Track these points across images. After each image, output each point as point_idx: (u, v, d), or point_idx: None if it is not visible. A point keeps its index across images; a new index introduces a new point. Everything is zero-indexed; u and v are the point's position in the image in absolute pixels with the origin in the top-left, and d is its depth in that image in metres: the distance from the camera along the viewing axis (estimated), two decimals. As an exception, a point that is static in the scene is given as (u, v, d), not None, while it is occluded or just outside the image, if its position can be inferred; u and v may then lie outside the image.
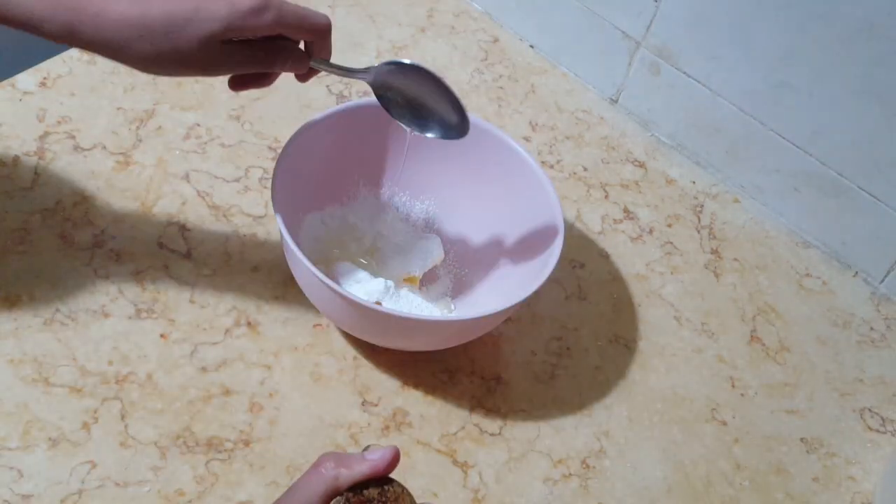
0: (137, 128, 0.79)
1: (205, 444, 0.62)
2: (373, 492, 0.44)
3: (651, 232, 0.85)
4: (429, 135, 0.63)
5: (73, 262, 0.69)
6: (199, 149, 0.79)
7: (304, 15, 0.55)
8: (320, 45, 0.58)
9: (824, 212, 0.86)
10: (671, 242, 0.85)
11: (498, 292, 0.71)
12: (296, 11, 0.55)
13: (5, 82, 0.80)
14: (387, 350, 0.70)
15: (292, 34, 0.56)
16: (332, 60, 0.60)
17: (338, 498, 0.43)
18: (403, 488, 0.45)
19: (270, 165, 0.79)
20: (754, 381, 0.77)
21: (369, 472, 0.44)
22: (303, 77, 0.61)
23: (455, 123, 0.62)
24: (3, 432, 0.60)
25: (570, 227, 0.83)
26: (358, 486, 0.44)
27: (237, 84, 0.59)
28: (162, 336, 0.67)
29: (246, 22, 0.53)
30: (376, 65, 0.60)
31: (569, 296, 0.78)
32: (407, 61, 0.61)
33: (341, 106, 0.71)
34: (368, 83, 0.61)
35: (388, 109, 0.63)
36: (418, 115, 0.63)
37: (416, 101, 0.62)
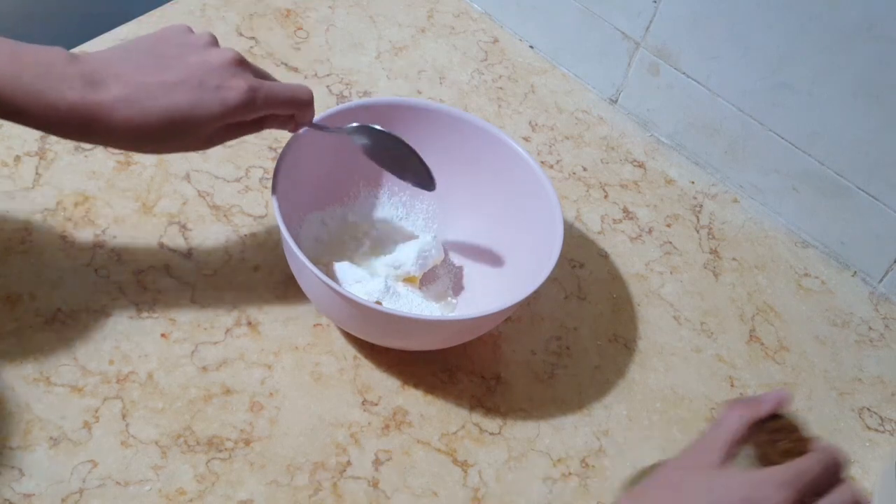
0: (138, 128, 0.79)
1: (205, 443, 0.63)
2: (782, 421, 0.49)
3: (650, 232, 0.86)
4: (406, 181, 0.69)
5: (74, 262, 0.69)
6: (199, 149, 0.79)
7: (288, 96, 0.61)
8: (303, 114, 0.64)
9: (823, 212, 0.86)
10: (670, 242, 0.85)
11: (498, 292, 0.71)
12: (281, 93, 0.61)
13: (6, 82, 0.80)
14: (387, 350, 0.70)
15: (279, 111, 0.61)
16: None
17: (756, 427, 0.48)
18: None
19: (271, 165, 0.79)
20: (753, 380, 0.77)
21: (773, 407, 0.49)
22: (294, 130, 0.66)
23: (425, 179, 0.68)
24: (4, 431, 0.60)
25: (569, 227, 0.83)
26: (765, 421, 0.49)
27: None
28: (163, 335, 0.67)
29: (237, 114, 0.58)
30: (354, 125, 0.66)
31: (568, 295, 0.79)
32: (377, 127, 0.66)
33: (341, 106, 0.71)
34: (351, 135, 0.67)
35: (369, 156, 0.68)
36: (397, 165, 0.68)
37: (393, 154, 0.67)
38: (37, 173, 0.74)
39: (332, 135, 0.67)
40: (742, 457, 0.48)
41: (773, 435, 0.48)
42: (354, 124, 0.66)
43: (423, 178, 0.68)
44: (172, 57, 0.57)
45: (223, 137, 0.60)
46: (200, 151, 0.79)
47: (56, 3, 0.96)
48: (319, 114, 0.69)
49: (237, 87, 0.57)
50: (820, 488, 0.45)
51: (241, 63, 0.59)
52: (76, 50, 0.83)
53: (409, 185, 0.75)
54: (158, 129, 0.55)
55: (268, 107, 0.59)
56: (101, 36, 0.85)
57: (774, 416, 0.49)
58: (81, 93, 0.52)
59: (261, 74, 0.61)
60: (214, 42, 0.59)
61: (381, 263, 0.73)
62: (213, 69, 0.57)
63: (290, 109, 0.62)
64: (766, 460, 0.48)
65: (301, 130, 0.66)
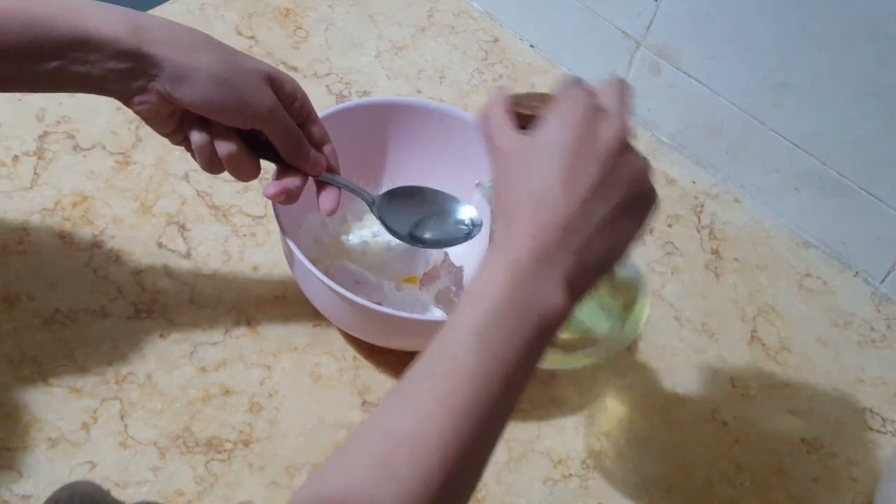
0: (137, 127, 0.79)
1: (204, 444, 0.62)
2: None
3: (651, 232, 0.85)
4: (421, 247, 0.66)
5: (73, 262, 0.69)
6: (198, 149, 0.79)
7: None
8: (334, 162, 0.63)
9: (825, 212, 0.86)
10: (671, 242, 0.85)
11: (498, 292, 0.71)
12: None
13: (5, 82, 0.80)
14: (387, 350, 0.69)
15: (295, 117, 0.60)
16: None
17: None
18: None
19: (270, 165, 0.79)
20: (755, 381, 0.76)
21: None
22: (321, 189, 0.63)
23: (466, 225, 0.65)
24: (2, 432, 0.60)
25: (570, 227, 0.83)
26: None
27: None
28: (161, 336, 0.67)
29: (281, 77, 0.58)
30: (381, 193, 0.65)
31: (569, 296, 0.78)
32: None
33: (341, 106, 0.71)
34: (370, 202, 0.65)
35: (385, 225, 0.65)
36: (418, 230, 0.65)
37: (418, 215, 0.65)
38: (35, 173, 0.74)
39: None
40: None
41: (518, 100, 0.49)
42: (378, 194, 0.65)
43: (462, 227, 0.65)
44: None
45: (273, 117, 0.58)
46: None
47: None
48: (319, 113, 0.69)
49: None
50: (583, 86, 0.46)
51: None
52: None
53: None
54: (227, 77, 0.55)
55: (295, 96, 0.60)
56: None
57: (517, 99, 0.50)
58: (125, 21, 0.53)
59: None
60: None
61: (381, 264, 0.73)
62: None
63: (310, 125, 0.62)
64: (523, 120, 0.48)
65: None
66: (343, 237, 0.75)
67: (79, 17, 0.51)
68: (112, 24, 0.51)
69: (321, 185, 0.62)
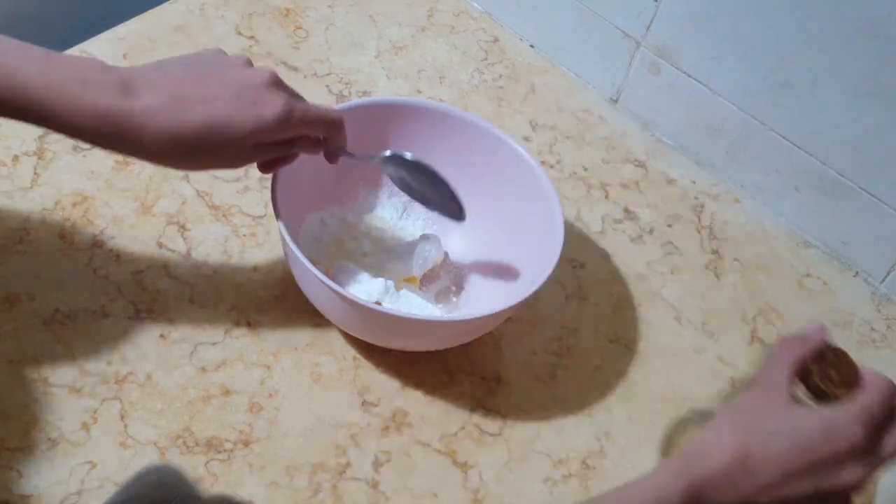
0: (137, 128, 0.79)
1: (204, 444, 0.62)
2: (826, 352, 0.52)
3: (651, 232, 0.85)
4: (434, 211, 0.68)
5: (73, 262, 0.69)
6: (198, 149, 0.79)
7: (322, 116, 0.61)
8: (335, 138, 0.63)
9: (825, 212, 0.86)
10: (671, 242, 0.85)
11: (498, 292, 0.71)
12: (316, 113, 0.61)
13: (5, 82, 0.79)
14: (387, 350, 0.69)
15: (311, 132, 0.62)
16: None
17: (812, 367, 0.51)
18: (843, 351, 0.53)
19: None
20: (755, 381, 0.76)
21: (819, 340, 0.52)
22: (331, 160, 0.65)
23: (455, 210, 0.67)
24: (2, 432, 0.60)
25: (570, 227, 0.83)
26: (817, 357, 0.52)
27: (266, 168, 0.64)
28: (161, 336, 0.67)
29: (272, 132, 0.57)
30: (386, 154, 0.66)
31: (569, 296, 0.78)
32: (408, 156, 0.65)
33: (341, 106, 0.71)
34: (380, 164, 0.66)
35: (397, 185, 0.68)
36: (426, 194, 0.67)
37: (422, 182, 0.67)
38: (35, 173, 0.74)
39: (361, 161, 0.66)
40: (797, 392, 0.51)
41: (821, 366, 0.51)
42: (387, 153, 0.65)
43: (452, 208, 0.67)
44: (209, 74, 0.56)
45: (254, 156, 0.60)
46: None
47: (55, 2, 0.96)
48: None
49: (273, 104, 0.57)
50: (884, 420, 0.48)
51: (278, 83, 0.59)
52: (76, 49, 0.83)
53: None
54: (192, 140, 0.54)
55: (302, 125, 0.59)
56: (101, 35, 0.85)
57: (827, 350, 0.51)
58: (115, 99, 0.52)
59: (295, 95, 0.61)
60: (250, 63, 0.59)
61: (381, 263, 0.73)
62: (250, 86, 0.57)
63: (323, 131, 0.62)
64: (819, 392, 0.50)
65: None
66: (343, 237, 0.75)
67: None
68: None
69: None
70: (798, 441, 0.47)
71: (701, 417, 0.71)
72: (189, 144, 0.54)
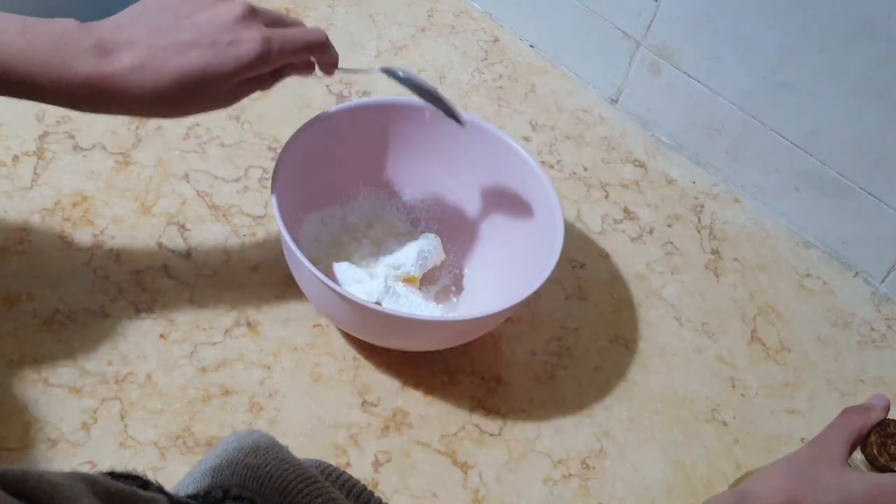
0: (137, 127, 0.79)
1: (204, 444, 0.62)
2: (888, 425, 0.54)
3: (651, 232, 0.85)
4: (436, 107, 0.67)
5: (73, 262, 0.69)
6: (198, 149, 0.79)
7: (302, 40, 0.59)
8: (322, 57, 0.62)
9: (825, 212, 0.86)
10: (671, 242, 0.85)
11: (498, 292, 0.71)
12: (294, 40, 0.59)
13: (5, 82, 0.80)
14: (387, 350, 0.69)
15: (296, 59, 0.60)
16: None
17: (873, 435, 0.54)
18: None
19: (270, 165, 0.79)
20: (755, 381, 0.76)
21: (882, 413, 0.54)
22: (328, 72, 0.64)
23: (452, 116, 0.67)
24: (2, 432, 0.60)
25: (570, 227, 0.83)
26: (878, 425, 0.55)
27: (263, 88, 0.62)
28: (161, 336, 0.67)
29: (253, 68, 0.56)
30: (378, 68, 0.65)
31: (569, 296, 0.78)
32: (401, 73, 0.65)
33: (341, 105, 0.70)
34: (381, 70, 0.66)
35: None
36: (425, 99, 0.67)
37: (420, 92, 0.66)
38: (35, 173, 0.74)
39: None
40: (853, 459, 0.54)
41: (881, 438, 0.53)
42: (378, 67, 0.65)
43: (451, 114, 0.66)
44: (182, 16, 0.55)
45: (243, 92, 0.59)
46: (199, 150, 0.79)
47: (55, 2, 0.96)
48: (318, 112, 0.69)
49: (251, 41, 0.56)
50: None
51: (252, 14, 0.57)
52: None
53: (410, 185, 0.75)
54: (173, 92, 0.54)
55: (284, 56, 0.58)
56: (100, 35, 0.85)
57: (890, 422, 0.54)
58: (93, 64, 0.52)
59: (274, 20, 0.59)
60: None
61: (381, 264, 0.73)
62: (224, 25, 0.55)
63: (308, 55, 0.61)
64: (876, 463, 0.53)
65: (317, 72, 0.64)
66: (343, 237, 0.75)
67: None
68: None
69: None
70: (845, 499, 0.49)
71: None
72: (171, 97, 0.54)
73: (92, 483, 0.34)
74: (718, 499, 0.51)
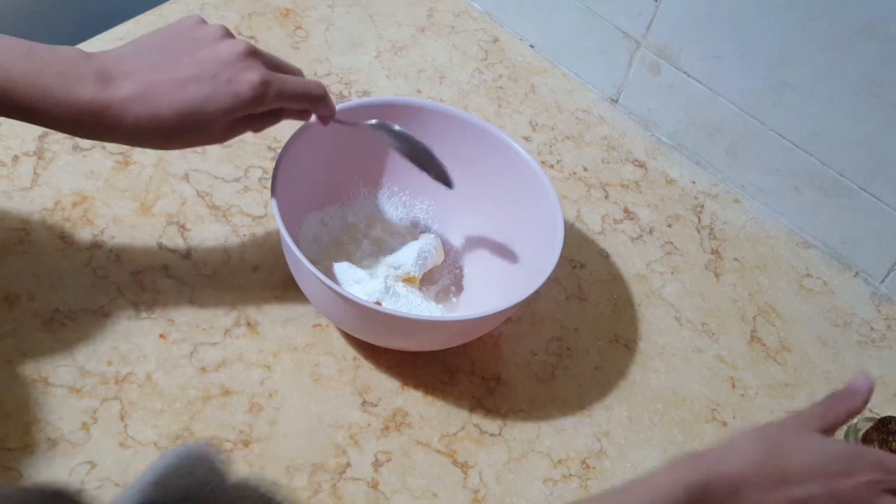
0: (137, 128, 0.79)
1: (204, 444, 0.62)
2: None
3: (651, 232, 0.85)
4: (428, 175, 0.67)
5: (73, 262, 0.69)
6: (198, 149, 0.79)
7: (301, 91, 0.61)
8: (318, 110, 0.64)
9: (825, 212, 0.86)
10: (671, 242, 0.85)
11: (498, 292, 0.71)
12: (293, 86, 0.60)
13: (5, 82, 0.80)
14: (387, 350, 0.69)
15: (290, 106, 0.61)
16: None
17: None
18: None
19: (270, 165, 0.79)
20: (755, 381, 0.76)
21: (865, 396, 0.52)
22: (323, 123, 0.65)
23: (444, 177, 0.67)
24: (2, 432, 0.60)
25: (570, 227, 0.83)
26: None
27: (257, 130, 0.63)
28: (161, 336, 0.67)
29: (249, 107, 0.58)
30: (373, 122, 0.67)
31: (569, 296, 0.78)
32: (396, 127, 0.66)
33: (341, 106, 0.70)
34: (374, 130, 0.67)
35: (392, 148, 0.68)
36: (417, 161, 0.67)
37: (412, 150, 0.67)
38: (35, 173, 0.74)
39: (347, 129, 0.66)
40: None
41: (883, 435, 0.53)
42: (373, 121, 0.66)
43: (442, 177, 0.67)
44: (184, 52, 0.57)
45: (238, 130, 0.60)
46: (199, 150, 0.79)
47: (56, 2, 0.96)
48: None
49: (249, 81, 0.57)
50: None
51: (253, 54, 0.58)
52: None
53: (410, 186, 0.75)
54: (170, 124, 0.55)
55: (280, 99, 0.59)
56: (101, 35, 0.85)
57: (892, 419, 0.54)
58: (93, 91, 0.53)
59: (274, 65, 0.61)
60: (227, 34, 0.59)
61: (381, 264, 0.73)
62: (225, 63, 0.57)
63: (304, 104, 0.62)
64: None
65: (312, 119, 0.65)
66: (342, 237, 0.75)
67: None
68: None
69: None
70: (822, 461, 0.48)
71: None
72: (168, 128, 0.55)
73: None
74: (677, 461, 0.49)
